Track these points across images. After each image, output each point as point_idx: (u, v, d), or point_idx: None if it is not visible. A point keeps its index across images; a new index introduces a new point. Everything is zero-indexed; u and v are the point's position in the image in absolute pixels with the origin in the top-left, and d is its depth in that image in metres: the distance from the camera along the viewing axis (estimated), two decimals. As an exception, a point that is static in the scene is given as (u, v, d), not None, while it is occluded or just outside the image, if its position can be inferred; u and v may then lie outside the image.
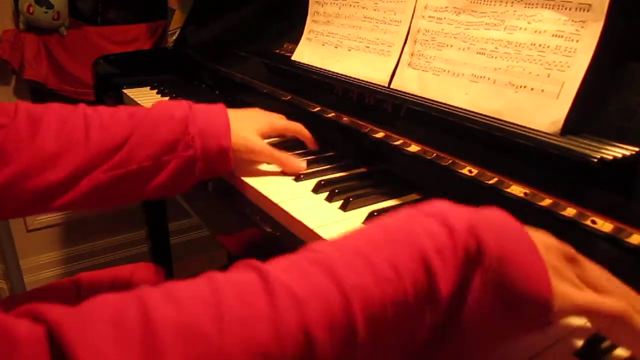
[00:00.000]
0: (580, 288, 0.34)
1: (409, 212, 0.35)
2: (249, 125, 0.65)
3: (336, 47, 0.80)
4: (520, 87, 0.55)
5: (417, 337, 0.31)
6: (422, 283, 0.30)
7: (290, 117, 0.85)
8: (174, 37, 1.32)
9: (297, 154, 0.71)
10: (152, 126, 0.58)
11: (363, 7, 0.77)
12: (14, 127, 0.53)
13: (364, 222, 0.55)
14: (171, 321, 0.25)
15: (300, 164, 0.67)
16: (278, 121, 0.70)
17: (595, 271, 0.36)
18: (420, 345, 0.31)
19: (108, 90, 1.17)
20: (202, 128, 0.59)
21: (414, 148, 0.62)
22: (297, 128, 0.72)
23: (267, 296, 0.28)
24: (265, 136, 0.67)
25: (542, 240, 0.35)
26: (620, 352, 0.38)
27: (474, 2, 0.61)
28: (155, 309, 0.25)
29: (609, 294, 0.34)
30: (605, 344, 0.38)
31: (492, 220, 0.34)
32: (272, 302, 0.27)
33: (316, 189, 0.62)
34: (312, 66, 0.82)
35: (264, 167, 0.70)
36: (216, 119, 0.61)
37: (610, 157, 0.44)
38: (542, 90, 0.53)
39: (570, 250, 0.36)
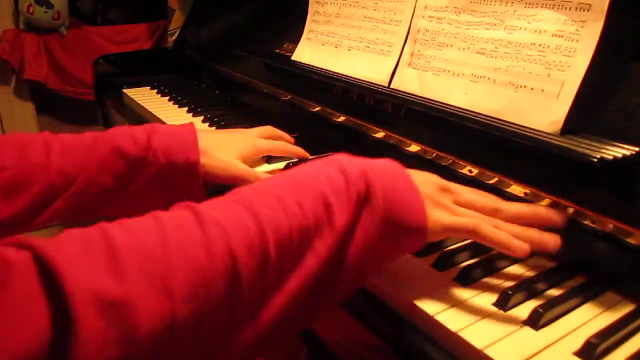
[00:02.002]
0: (454, 210, 0.44)
1: (313, 163, 0.44)
2: (229, 149, 0.62)
3: (336, 47, 0.80)
4: (520, 87, 0.55)
5: (316, 263, 0.38)
6: (322, 217, 0.38)
7: (290, 117, 0.85)
8: (174, 37, 1.32)
9: (293, 162, 0.69)
10: (112, 144, 0.57)
11: (363, 7, 0.77)
12: None
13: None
14: (126, 242, 0.32)
15: None
16: (261, 143, 0.66)
17: (465, 193, 0.46)
18: (316, 275, 0.38)
19: (108, 90, 1.17)
20: (165, 143, 0.58)
21: (414, 148, 0.62)
22: (281, 147, 0.68)
23: (199, 226, 0.34)
24: (248, 161, 0.64)
25: (421, 178, 0.44)
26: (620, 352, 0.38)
27: (474, 2, 0.61)
28: (114, 234, 0.32)
29: (470, 216, 0.43)
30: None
31: (380, 167, 0.42)
32: (204, 230, 0.34)
33: (316, 189, 0.62)
34: (312, 66, 0.82)
35: (263, 167, 0.70)
36: (181, 134, 0.60)
37: (610, 157, 0.44)
38: (542, 90, 0.53)
39: (444, 182, 0.46)
